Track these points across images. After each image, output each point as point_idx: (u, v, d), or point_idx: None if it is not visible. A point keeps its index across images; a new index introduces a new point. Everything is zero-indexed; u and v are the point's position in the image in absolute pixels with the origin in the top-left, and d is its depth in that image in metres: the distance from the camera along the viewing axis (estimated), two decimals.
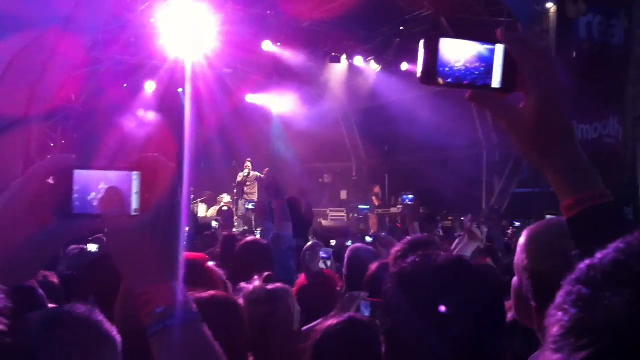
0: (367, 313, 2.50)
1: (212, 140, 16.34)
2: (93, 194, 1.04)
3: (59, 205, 1.03)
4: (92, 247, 5.61)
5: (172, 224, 1.03)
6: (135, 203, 1.03)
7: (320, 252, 4.57)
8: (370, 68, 16.96)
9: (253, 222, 12.84)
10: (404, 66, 15.85)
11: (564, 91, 1.03)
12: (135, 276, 1.02)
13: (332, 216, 17.12)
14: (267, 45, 15.51)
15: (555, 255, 1.37)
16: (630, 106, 14.35)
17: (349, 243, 6.12)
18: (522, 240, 1.66)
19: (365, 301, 2.54)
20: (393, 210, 15.62)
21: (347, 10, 14.02)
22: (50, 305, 2.25)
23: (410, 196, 14.47)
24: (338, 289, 3.76)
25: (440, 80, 1.03)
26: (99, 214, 1.03)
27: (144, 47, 14.58)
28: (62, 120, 14.60)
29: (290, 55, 16.12)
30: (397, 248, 2.73)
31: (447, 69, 1.02)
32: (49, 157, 1.07)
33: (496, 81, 1.04)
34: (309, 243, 5.26)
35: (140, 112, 15.70)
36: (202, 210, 15.73)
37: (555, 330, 0.59)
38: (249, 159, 15.27)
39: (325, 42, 16.13)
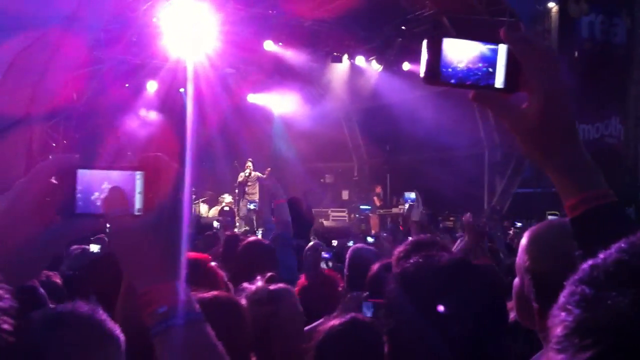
0: (369, 314, 2.50)
1: (213, 140, 16.34)
2: (96, 194, 1.04)
3: (63, 205, 1.03)
4: (94, 248, 5.62)
5: (175, 224, 1.03)
6: (138, 203, 1.03)
7: (322, 253, 4.57)
8: (372, 68, 16.96)
9: (254, 223, 12.85)
10: (406, 66, 15.85)
11: (568, 91, 1.03)
12: (138, 276, 1.01)
13: (333, 216, 17.13)
14: (269, 45, 15.52)
15: (557, 256, 1.37)
16: (633, 106, 14.33)
17: (351, 243, 6.12)
18: (523, 241, 1.66)
19: (367, 302, 2.53)
20: (394, 210, 15.62)
21: (349, 10, 14.03)
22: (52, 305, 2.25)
23: (412, 196, 14.46)
24: (340, 289, 3.76)
25: (444, 81, 1.03)
26: (102, 213, 1.03)
27: (145, 47, 14.60)
28: (63, 120, 14.62)
29: (291, 55, 16.12)
30: (400, 249, 2.73)
31: (450, 70, 1.02)
32: (52, 156, 1.07)
33: (499, 81, 1.04)
34: (310, 243, 5.26)
35: (142, 112, 15.72)
36: (203, 210, 15.74)
37: (558, 330, 0.59)
38: (250, 159, 15.27)
39: (326, 41, 16.13)
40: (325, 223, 14.98)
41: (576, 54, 13.95)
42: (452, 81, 1.03)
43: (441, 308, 1.21)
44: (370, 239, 8.02)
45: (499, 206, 14.21)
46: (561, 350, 0.58)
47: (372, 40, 16.20)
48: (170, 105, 15.86)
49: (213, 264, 2.67)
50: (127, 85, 15.77)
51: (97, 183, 1.04)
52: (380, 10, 14.88)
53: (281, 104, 18.76)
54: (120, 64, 15.13)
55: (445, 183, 13.79)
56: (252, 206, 13.44)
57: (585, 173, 1.04)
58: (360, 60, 16.68)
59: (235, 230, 10.66)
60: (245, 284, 2.62)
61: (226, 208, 15.03)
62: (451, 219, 13.17)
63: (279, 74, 17.29)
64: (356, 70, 17.29)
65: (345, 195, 19.22)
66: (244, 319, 2.15)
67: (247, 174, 15.11)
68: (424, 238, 3.04)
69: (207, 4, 13.21)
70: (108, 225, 1.04)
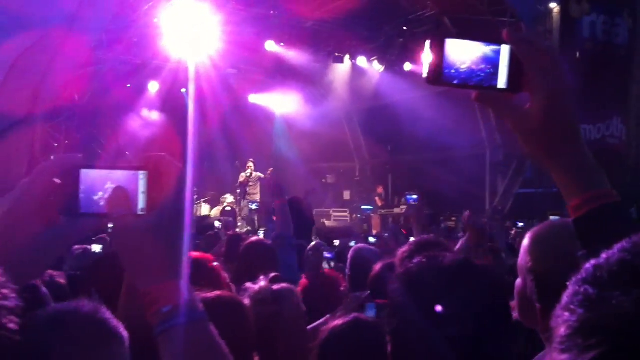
0: (372, 315, 2.50)
1: (215, 140, 16.34)
2: (100, 194, 1.04)
3: (66, 205, 1.03)
4: (96, 248, 5.62)
5: (178, 224, 1.03)
6: (141, 202, 1.03)
7: (324, 253, 4.57)
8: (374, 68, 16.95)
9: (256, 223, 12.86)
10: (407, 66, 15.84)
11: (570, 91, 1.03)
12: (141, 275, 1.02)
13: (335, 216, 17.11)
14: (270, 45, 15.51)
15: (559, 257, 1.37)
16: (634, 106, 14.30)
17: (353, 243, 6.11)
18: (525, 241, 1.66)
19: (370, 303, 2.54)
20: (396, 210, 15.61)
21: (350, 10, 14.02)
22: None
23: (414, 196, 14.46)
24: (342, 289, 3.76)
25: (447, 81, 1.03)
26: (106, 213, 1.03)
27: (147, 47, 14.60)
28: (65, 120, 14.62)
29: (293, 55, 16.11)
30: (403, 249, 2.74)
31: (453, 70, 1.03)
32: (55, 156, 1.07)
33: (502, 82, 1.04)
34: (312, 243, 5.26)
35: (144, 112, 15.73)
36: (205, 210, 15.75)
37: (562, 330, 0.59)
38: (251, 159, 15.27)
39: (328, 42, 16.13)
40: (327, 223, 14.98)
41: (578, 54, 13.91)
42: (455, 82, 1.03)
43: (440, 308, 1.21)
44: (372, 239, 8.03)
45: (500, 206, 14.20)
46: (565, 350, 0.58)
47: (373, 40, 16.19)
48: (172, 105, 15.86)
49: (215, 264, 2.67)
50: (128, 85, 15.77)
51: (100, 183, 1.04)
52: (382, 11, 14.87)
53: (283, 104, 18.75)
54: (122, 64, 15.14)
55: (447, 183, 13.78)
56: (253, 206, 13.44)
57: (588, 173, 1.04)
58: (361, 60, 16.67)
59: (237, 230, 10.67)
60: (249, 284, 2.63)
61: (228, 208, 15.03)
62: (453, 219, 13.17)
63: (280, 75, 17.29)
64: (358, 70, 17.28)
65: (346, 195, 19.21)
66: (247, 319, 2.15)
67: (248, 174, 15.11)
68: (428, 238, 3.05)
69: (208, 5, 13.21)
70: (110, 225, 1.05)
